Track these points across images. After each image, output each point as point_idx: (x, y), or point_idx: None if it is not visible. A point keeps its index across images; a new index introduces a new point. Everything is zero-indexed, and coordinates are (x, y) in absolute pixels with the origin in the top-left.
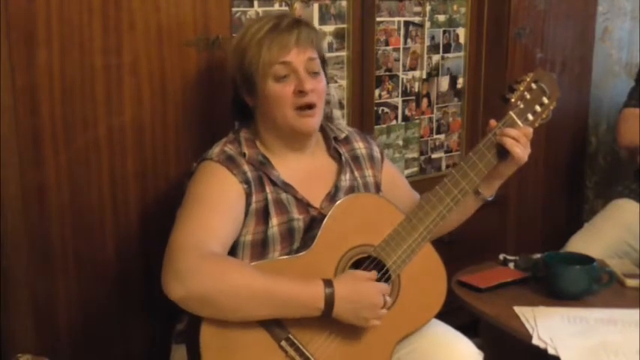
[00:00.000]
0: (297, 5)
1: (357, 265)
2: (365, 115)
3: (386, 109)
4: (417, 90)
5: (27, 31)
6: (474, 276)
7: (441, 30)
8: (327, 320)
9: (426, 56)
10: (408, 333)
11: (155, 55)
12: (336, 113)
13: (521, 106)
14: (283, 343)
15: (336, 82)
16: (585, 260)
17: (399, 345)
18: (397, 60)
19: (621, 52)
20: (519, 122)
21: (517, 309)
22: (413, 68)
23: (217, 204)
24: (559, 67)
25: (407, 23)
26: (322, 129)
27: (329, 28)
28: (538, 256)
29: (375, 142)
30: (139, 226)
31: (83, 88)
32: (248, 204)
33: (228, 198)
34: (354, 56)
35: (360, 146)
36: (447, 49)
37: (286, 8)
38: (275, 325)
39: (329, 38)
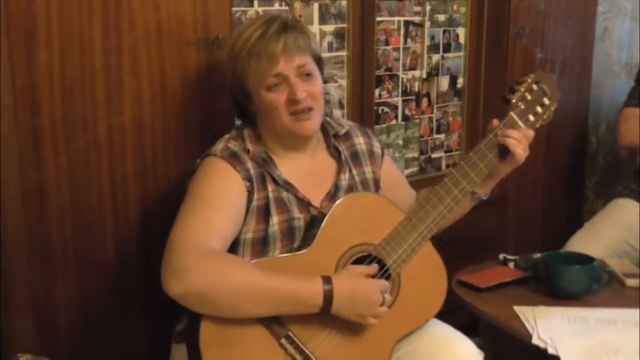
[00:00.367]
0: (297, 5)
1: (357, 263)
2: (365, 115)
3: (386, 109)
4: (417, 90)
5: (27, 31)
6: (474, 276)
7: (441, 30)
8: (327, 318)
9: (426, 56)
10: (407, 332)
11: (155, 55)
12: (336, 113)
13: (522, 107)
14: (283, 340)
15: (336, 81)
16: (585, 260)
17: (399, 344)
18: (397, 60)
19: (621, 52)
20: (520, 123)
21: (517, 309)
22: (413, 68)
23: (219, 201)
24: (559, 67)
25: (407, 23)
26: (322, 126)
27: (329, 28)
28: (538, 255)
29: (375, 136)
30: (139, 226)
31: (83, 88)
32: (249, 201)
33: (230, 195)
34: (354, 56)
35: (360, 141)
36: (447, 48)
37: (286, 8)
38: (275, 323)
39: (329, 38)
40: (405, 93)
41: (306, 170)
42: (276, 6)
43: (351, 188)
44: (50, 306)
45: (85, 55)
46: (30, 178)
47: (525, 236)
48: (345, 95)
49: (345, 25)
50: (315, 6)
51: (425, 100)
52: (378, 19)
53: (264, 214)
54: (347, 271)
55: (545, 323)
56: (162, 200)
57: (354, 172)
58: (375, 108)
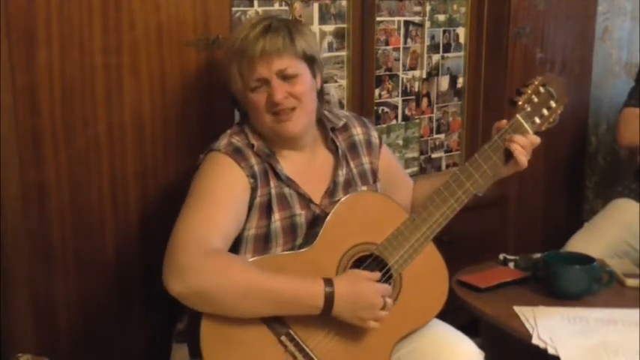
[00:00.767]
0: (297, 5)
1: (358, 263)
2: (365, 115)
3: (386, 109)
4: (417, 90)
5: (27, 31)
6: (474, 276)
7: (441, 30)
8: (327, 317)
9: (426, 56)
10: (408, 332)
11: (155, 55)
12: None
13: (529, 109)
14: (283, 338)
15: (336, 81)
16: (585, 260)
17: (400, 344)
18: (397, 60)
19: (621, 52)
20: (526, 125)
21: (517, 309)
22: (413, 68)
23: (222, 198)
24: (559, 67)
25: (407, 23)
26: (320, 121)
27: (329, 28)
28: (538, 255)
29: (373, 126)
30: (139, 226)
31: (83, 88)
32: (253, 198)
33: (234, 192)
34: (354, 56)
35: (357, 132)
36: (447, 48)
37: (286, 8)
38: (275, 321)
39: (329, 38)
40: (405, 93)
41: (306, 166)
42: (276, 6)
43: (348, 183)
44: (50, 306)
45: (85, 55)
46: (30, 178)
47: (525, 236)
48: (345, 95)
49: (345, 25)
50: (315, 6)
51: (425, 100)
52: (378, 19)
53: (267, 210)
54: (349, 273)
55: (545, 323)
56: (162, 200)
57: (352, 164)
58: (375, 108)
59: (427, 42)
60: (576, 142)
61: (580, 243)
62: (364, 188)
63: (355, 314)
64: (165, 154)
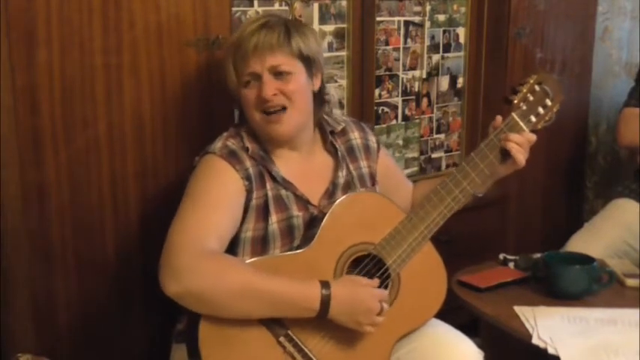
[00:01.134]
0: (297, 5)
1: (356, 263)
2: (365, 115)
3: (386, 109)
4: (417, 90)
5: (27, 31)
6: (473, 276)
7: (441, 30)
8: (325, 319)
9: (426, 56)
10: (407, 332)
11: (155, 55)
12: (336, 113)
13: (524, 107)
14: (282, 339)
15: (336, 81)
16: (585, 260)
17: (399, 344)
18: (397, 60)
19: (621, 52)
20: (522, 124)
21: (517, 309)
22: (413, 68)
23: (217, 200)
24: (559, 67)
25: (407, 23)
26: (319, 124)
27: (329, 28)
28: (538, 255)
29: (372, 131)
30: (139, 226)
31: (83, 88)
32: (248, 200)
33: (229, 194)
34: (354, 56)
35: (355, 136)
36: (447, 48)
37: (286, 8)
38: (274, 322)
39: (329, 38)
40: (405, 93)
41: (304, 168)
42: (276, 6)
43: (348, 185)
44: (50, 306)
45: (85, 55)
46: (30, 178)
47: (525, 236)
48: (345, 95)
49: (345, 25)
50: (315, 6)
51: (425, 100)
52: (378, 19)
53: (264, 212)
54: (347, 277)
55: (545, 323)
56: (162, 200)
57: (351, 167)
58: (375, 108)
59: (427, 42)
60: (576, 142)
61: (580, 243)
62: (362, 190)
63: (352, 318)
64: (166, 154)
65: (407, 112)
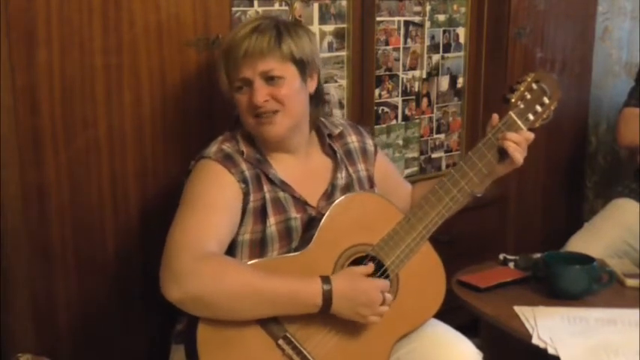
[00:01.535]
0: (297, 5)
1: (355, 264)
2: (365, 115)
3: (386, 109)
4: (417, 90)
5: (27, 31)
6: (473, 276)
7: (441, 30)
8: (325, 318)
9: (426, 56)
10: (406, 332)
11: (155, 55)
12: (336, 113)
13: (522, 106)
14: (280, 341)
15: (336, 81)
16: (585, 260)
17: (398, 344)
18: (397, 60)
19: (621, 52)
20: (519, 122)
21: (517, 309)
22: (413, 68)
23: (214, 202)
24: (559, 67)
25: (407, 23)
26: (317, 127)
27: (329, 28)
28: (538, 255)
29: (368, 134)
30: (139, 226)
31: (83, 88)
32: (245, 203)
33: (226, 197)
34: (354, 56)
35: (353, 140)
36: (447, 48)
37: (286, 8)
38: (272, 324)
39: (329, 38)
40: (405, 93)
41: (301, 171)
42: (276, 6)
43: (347, 186)
44: (50, 306)
45: (85, 55)
46: (30, 178)
47: (525, 236)
48: (345, 95)
49: (345, 25)
50: (315, 6)
51: (425, 100)
52: (378, 19)
53: (261, 215)
54: (346, 271)
55: (545, 323)
56: (162, 200)
57: (350, 170)
58: (375, 108)
59: (427, 42)
60: (576, 142)
61: (580, 243)
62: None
63: (355, 311)
64: (166, 154)
65: (407, 112)
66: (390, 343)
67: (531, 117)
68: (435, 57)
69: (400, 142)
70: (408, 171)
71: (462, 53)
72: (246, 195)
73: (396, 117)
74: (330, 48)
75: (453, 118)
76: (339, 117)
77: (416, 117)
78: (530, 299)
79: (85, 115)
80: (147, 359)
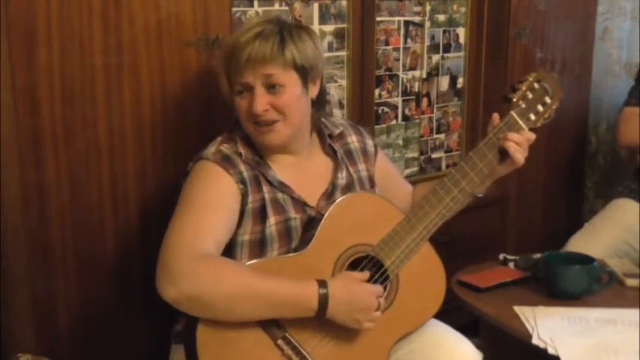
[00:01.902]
0: (297, 5)
1: (355, 264)
2: (365, 115)
3: (386, 109)
4: (417, 90)
5: (27, 31)
6: (473, 276)
7: (441, 30)
8: (324, 319)
9: (426, 56)
10: (406, 333)
11: (155, 55)
12: (336, 113)
13: (523, 105)
14: (280, 341)
15: (336, 81)
16: (585, 260)
17: (398, 345)
18: (397, 60)
19: (621, 52)
20: (521, 122)
21: (517, 309)
22: (413, 68)
23: (212, 203)
24: (559, 67)
25: (407, 23)
26: (318, 127)
27: (329, 28)
28: (538, 255)
29: (369, 135)
30: (139, 226)
31: (83, 88)
32: (244, 204)
33: (224, 198)
34: (354, 56)
35: (353, 140)
36: (447, 48)
37: (286, 8)
38: (272, 324)
39: (329, 38)
40: (405, 93)
41: (300, 171)
42: (276, 6)
43: (348, 186)
44: (50, 306)
45: (85, 55)
46: (30, 178)
47: (525, 236)
48: (345, 95)
49: (345, 25)
50: (315, 6)
51: (425, 100)
52: (378, 19)
53: (261, 215)
54: (342, 275)
55: (545, 323)
56: (162, 200)
57: (351, 170)
58: (375, 108)
59: (427, 42)
60: (576, 142)
61: (580, 243)
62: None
63: (351, 316)
64: (166, 153)
65: (407, 112)
66: (389, 344)
67: (533, 117)
68: (435, 57)
69: (400, 142)
70: (408, 171)
71: (462, 53)
72: (244, 196)
73: (396, 117)
74: (330, 48)
75: (453, 118)
76: (339, 117)
77: (416, 117)
78: (530, 299)
79: (85, 115)
80: (147, 359)
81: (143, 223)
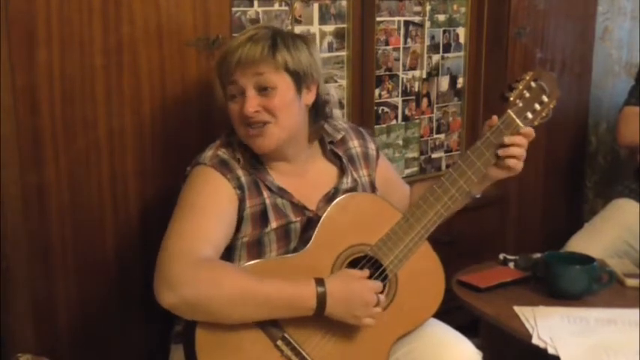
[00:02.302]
0: (297, 5)
1: (353, 264)
2: (365, 115)
3: (386, 109)
4: (417, 90)
5: (27, 31)
6: (473, 276)
7: (441, 30)
8: (323, 319)
9: (426, 56)
10: (405, 332)
11: (155, 55)
12: (336, 113)
13: (520, 104)
14: (279, 342)
15: (336, 81)
16: (585, 260)
17: (398, 345)
18: (397, 60)
19: (621, 51)
20: (518, 121)
21: (517, 309)
22: (413, 68)
23: (210, 208)
24: (559, 67)
25: (407, 23)
26: (319, 136)
27: (329, 28)
28: (538, 255)
29: (370, 137)
30: (139, 226)
31: (83, 88)
32: (242, 209)
33: (221, 203)
34: (354, 56)
35: (355, 145)
36: (447, 48)
37: (286, 8)
38: (271, 325)
39: (329, 38)
40: (405, 93)
41: (300, 176)
42: (276, 6)
43: (352, 191)
44: (50, 306)
45: (85, 55)
46: (30, 179)
47: (525, 236)
48: (345, 95)
49: (345, 25)
50: (315, 6)
51: (425, 100)
52: (378, 19)
53: (261, 219)
54: (340, 273)
55: (545, 323)
56: (162, 200)
57: (355, 175)
58: (375, 108)
59: (427, 42)
60: (576, 142)
61: (580, 243)
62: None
63: (350, 313)
64: (165, 154)
65: (407, 112)
66: (389, 344)
67: (530, 115)
68: (435, 57)
69: (400, 142)
70: (408, 171)
71: (462, 53)
72: (241, 201)
73: (396, 117)
74: (330, 48)
75: (453, 118)
76: (340, 119)
77: (416, 117)
78: (530, 299)
79: (85, 115)
80: (147, 359)
81: (143, 223)
